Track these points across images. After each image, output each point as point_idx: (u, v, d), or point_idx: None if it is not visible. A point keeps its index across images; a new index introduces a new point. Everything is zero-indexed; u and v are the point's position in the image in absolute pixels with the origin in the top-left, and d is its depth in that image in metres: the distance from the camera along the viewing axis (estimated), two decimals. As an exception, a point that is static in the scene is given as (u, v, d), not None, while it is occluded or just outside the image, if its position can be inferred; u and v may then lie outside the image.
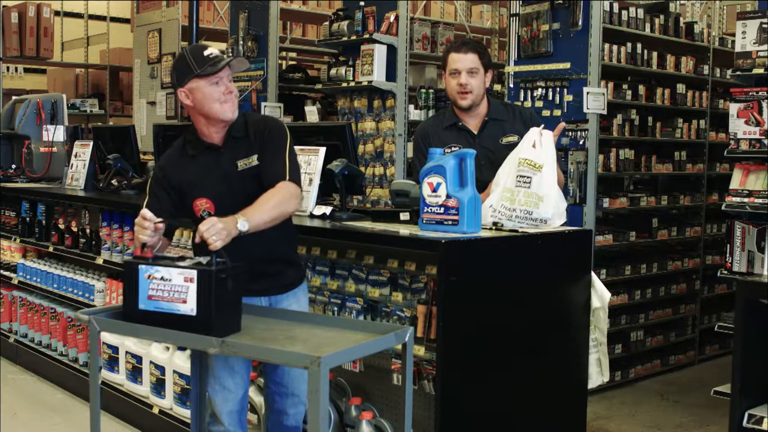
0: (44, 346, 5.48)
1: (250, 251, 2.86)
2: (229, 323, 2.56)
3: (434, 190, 3.03)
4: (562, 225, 3.32)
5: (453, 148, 3.58)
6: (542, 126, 3.37)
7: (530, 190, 3.23)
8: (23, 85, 10.50)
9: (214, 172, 2.97)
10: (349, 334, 2.65)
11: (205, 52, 2.90)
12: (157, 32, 8.45)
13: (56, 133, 6.17)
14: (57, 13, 10.08)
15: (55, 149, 6.19)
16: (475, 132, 3.62)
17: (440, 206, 3.01)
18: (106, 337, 4.63)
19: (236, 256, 2.66)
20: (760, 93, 3.75)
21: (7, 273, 5.86)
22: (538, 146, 3.27)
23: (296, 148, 3.27)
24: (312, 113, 6.81)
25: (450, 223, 3.00)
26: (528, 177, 3.23)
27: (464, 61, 3.54)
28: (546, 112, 5.08)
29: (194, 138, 3.03)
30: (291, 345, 2.49)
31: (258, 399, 3.69)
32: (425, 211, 3.06)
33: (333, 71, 6.22)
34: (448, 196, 3.00)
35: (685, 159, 6.22)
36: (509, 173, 3.29)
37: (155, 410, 4.34)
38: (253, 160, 2.97)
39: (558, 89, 5.08)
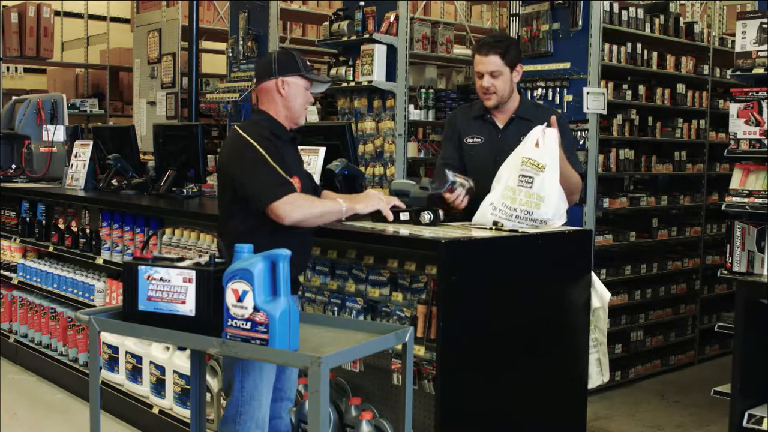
0: (44, 346, 5.48)
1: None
2: (229, 323, 2.56)
3: (239, 300, 2.45)
4: (562, 225, 3.32)
5: (475, 139, 3.64)
6: (546, 124, 3.35)
7: (532, 190, 3.21)
8: (23, 85, 10.49)
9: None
10: (349, 334, 2.65)
11: (307, 62, 3.15)
12: (157, 32, 8.45)
13: (56, 133, 6.17)
14: (57, 13, 10.08)
15: (55, 149, 6.19)
16: (501, 126, 3.62)
17: (246, 320, 2.44)
18: (106, 337, 4.63)
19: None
20: (760, 93, 3.75)
21: (7, 273, 5.86)
22: (541, 145, 3.23)
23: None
24: (312, 113, 6.80)
25: (258, 342, 2.43)
26: (530, 177, 3.21)
27: (485, 64, 3.51)
28: (546, 113, 5.09)
29: (278, 127, 3.12)
30: (291, 345, 2.49)
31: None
32: (228, 323, 2.48)
33: (333, 71, 6.22)
34: (256, 309, 2.42)
35: (685, 159, 6.22)
36: (512, 171, 3.28)
37: (155, 410, 4.34)
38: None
39: (558, 89, 5.08)
